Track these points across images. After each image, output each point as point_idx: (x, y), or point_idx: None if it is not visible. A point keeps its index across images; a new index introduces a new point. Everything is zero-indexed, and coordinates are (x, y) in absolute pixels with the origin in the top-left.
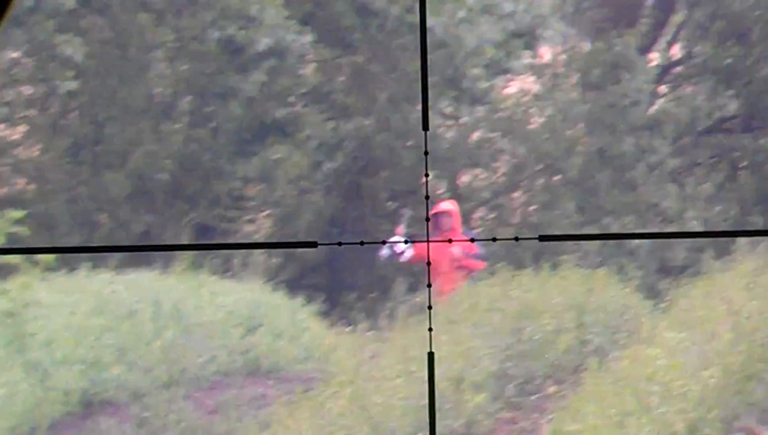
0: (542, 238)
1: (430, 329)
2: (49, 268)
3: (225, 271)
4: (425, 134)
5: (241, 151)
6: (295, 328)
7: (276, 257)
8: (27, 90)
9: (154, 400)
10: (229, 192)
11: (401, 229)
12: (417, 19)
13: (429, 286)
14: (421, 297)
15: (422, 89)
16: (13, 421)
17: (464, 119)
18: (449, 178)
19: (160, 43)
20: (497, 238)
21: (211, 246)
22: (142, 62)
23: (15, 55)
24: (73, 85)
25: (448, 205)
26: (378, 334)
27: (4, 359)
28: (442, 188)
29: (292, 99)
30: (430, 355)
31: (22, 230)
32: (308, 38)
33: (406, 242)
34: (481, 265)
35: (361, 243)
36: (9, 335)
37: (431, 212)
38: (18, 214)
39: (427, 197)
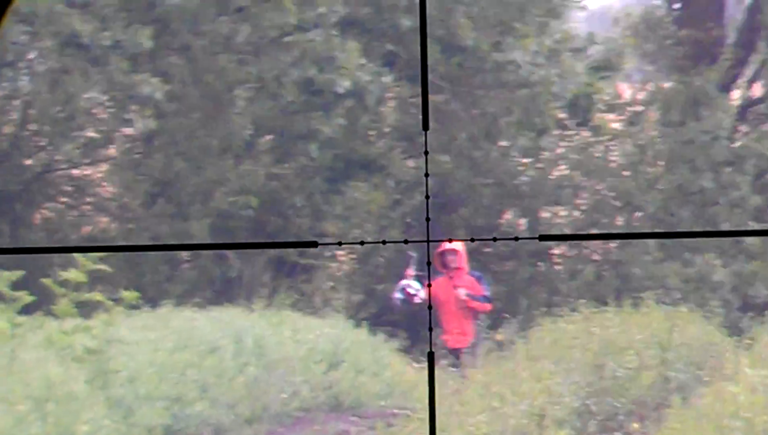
0: (542, 237)
1: (431, 329)
2: (132, 306)
3: (306, 307)
4: (425, 134)
5: (322, 189)
6: (377, 364)
7: (357, 294)
8: (107, 129)
9: None
10: (310, 229)
11: (411, 271)
12: (503, 57)
13: (429, 285)
14: (501, 334)
15: (422, 89)
16: None
17: (545, 156)
18: (530, 214)
19: (241, 83)
20: (497, 238)
21: (217, 246)
22: (222, 102)
23: (94, 95)
24: (152, 124)
25: (455, 245)
26: (459, 370)
27: (88, 396)
28: (522, 225)
29: (372, 138)
30: (430, 354)
31: (104, 268)
32: (387, 78)
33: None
34: (488, 307)
35: (362, 243)
36: (93, 372)
37: (437, 250)
38: (100, 253)
39: (427, 197)
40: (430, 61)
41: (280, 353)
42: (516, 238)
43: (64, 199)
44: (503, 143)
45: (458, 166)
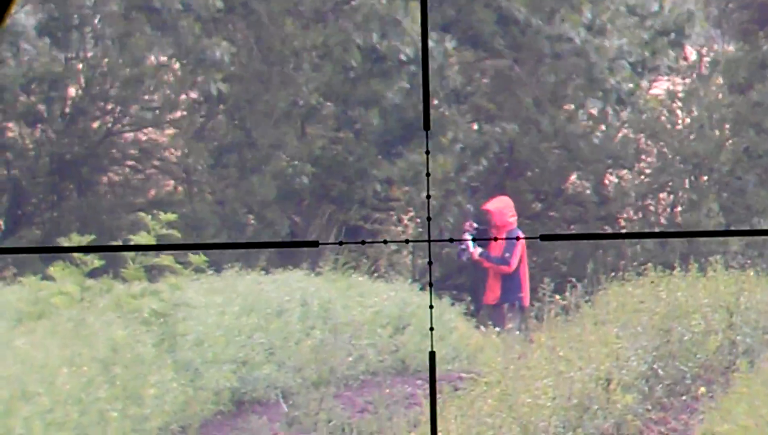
0: (543, 237)
1: (432, 329)
2: (199, 269)
3: (372, 271)
4: (426, 134)
5: (386, 154)
6: (443, 327)
7: (423, 258)
8: (173, 93)
9: (304, 399)
10: (375, 194)
11: (469, 224)
12: (555, 30)
13: (431, 284)
14: (567, 298)
15: (424, 88)
16: (165, 420)
17: (610, 120)
18: (595, 178)
19: (304, 48)
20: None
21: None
22: (286, 68)
23: (160, 58)
24: (217, 89)
25: (493, 203)
26: (525, 333)
27: (155, 359)
28: (588, 189)
29: (436, 101)
30: (432, 354)
31: (172, 232)
32: (450, 44)
33: (473, 239)
34: (504, 268)
35: (363, 242)
36: (160, 335)
37: (482, 207)
38: (170, 216)
39: (428, 196)
40: (487, 28)
41: (346, 317)
42: (517, 238)
43: (130, 163)
44: (569, 107)
45: (524, 130)
